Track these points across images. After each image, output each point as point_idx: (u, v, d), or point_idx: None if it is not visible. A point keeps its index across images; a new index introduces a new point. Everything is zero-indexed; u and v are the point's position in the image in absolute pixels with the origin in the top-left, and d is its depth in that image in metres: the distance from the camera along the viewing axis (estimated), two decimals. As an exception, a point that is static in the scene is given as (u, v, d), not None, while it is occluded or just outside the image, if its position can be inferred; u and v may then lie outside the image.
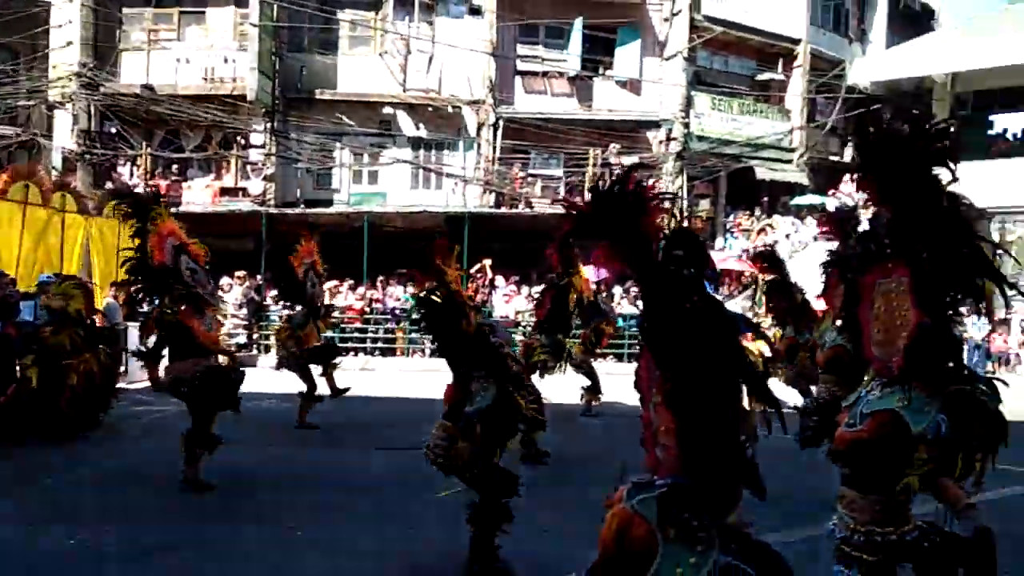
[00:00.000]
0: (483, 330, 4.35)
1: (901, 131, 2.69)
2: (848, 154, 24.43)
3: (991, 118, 23.46)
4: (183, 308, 6.04)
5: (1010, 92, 22.81)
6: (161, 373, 6.19)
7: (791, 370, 8.25)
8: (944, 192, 2.66)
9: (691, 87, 20.95)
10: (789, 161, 22.26)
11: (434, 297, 4.30)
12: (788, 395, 7.35)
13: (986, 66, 21.08)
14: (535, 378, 7.75)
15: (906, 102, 24.69)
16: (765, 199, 21.97)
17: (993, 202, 22.84)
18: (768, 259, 8.97)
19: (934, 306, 2.64)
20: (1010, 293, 2.71)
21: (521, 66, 20.41)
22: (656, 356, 2.04)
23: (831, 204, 21.56)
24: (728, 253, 19.54)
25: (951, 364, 2.70)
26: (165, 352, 6.17)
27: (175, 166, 19.18)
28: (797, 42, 22.35)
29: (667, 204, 2.14)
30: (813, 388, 6.73)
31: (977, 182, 23.30)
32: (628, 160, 20.20)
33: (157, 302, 6.19)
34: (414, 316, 15.99)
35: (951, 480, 2.67)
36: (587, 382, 9.96)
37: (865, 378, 3.13)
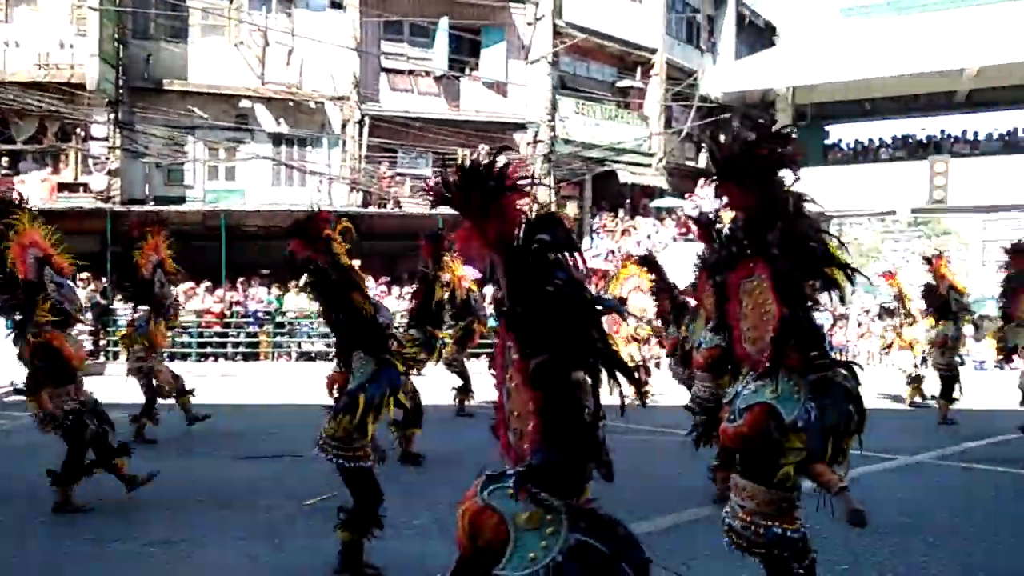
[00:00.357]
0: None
1: (748, 138, 2.84)
2: (703, 160, 25.78)
3: (827, 128, 25.52)
4: (51, 328, 5.46)
5: (844, 105, 24.90)
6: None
7: (678, 366, 8.64)
8: (791, 192, 2.86)
9: (556, 91, 21.37)
10: (649, 165, 23.18)
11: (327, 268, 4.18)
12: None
13: (821, 81, 22.86)
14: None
15: (753, 112, 26.40)
16: (628, 201, 22.75)
17: (830, 206, 24.83)
18: (647, 263, 9.39)
19: (793, 298, 2.79)
20: (855, 284, 2.90)
21: (386, 63, 20.06)
22: (518, 337, 2.05)
23: (688, 207, 22.67)
24: (594, 253, 20.05)
25: (814, 352, 2.83)
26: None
27: (5, 159, 17.42)
28: (654, 52, 23.32)
29: (531, 188, 2.16)
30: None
31: (815, 187, 25.33)
32: (496, 162, 20.32)
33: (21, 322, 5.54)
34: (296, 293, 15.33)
35: (824, 465, 2.78)
36: (459, 382, 9.92)
37: (741, 374, 3.25)
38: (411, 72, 20.23)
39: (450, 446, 7.59)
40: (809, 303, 2.86)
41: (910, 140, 23.83)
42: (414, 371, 8.00)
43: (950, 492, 6.78)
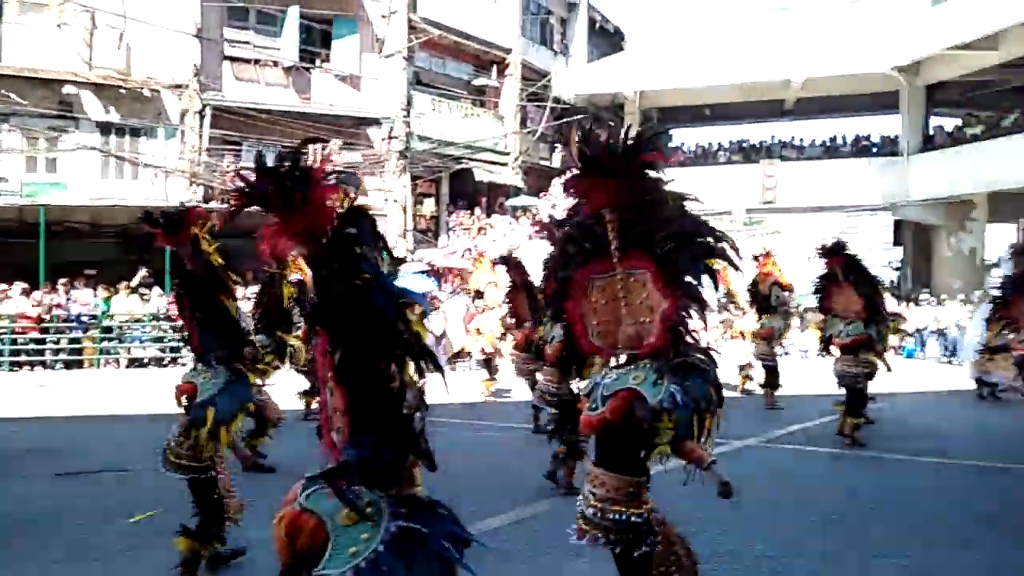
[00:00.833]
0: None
1: (621, 134, 2.95)
2: (557, 159, 26.31)
3: (672, 132, 26.79)
4: None
5: (686, 110, 26.23)
6: None
7: (526, 363, 8.79)
8: (669, 190, 2.98)
9: (411, 87, 21.08)
10: (505, 164, 23.36)
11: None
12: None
13: (665, 87, 23.95)
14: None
15: (603, 115, 27.24)
16: (484, 200, 22.82)
17: (675, 205, 26.09)
18: (506, 262, 9.44)
19: (677, 290, 2.90)
20: (738, 268, 3.04)
21: (230, 51, 18.99)
22: (328, 333, 2.06)
23: (544, 206, 23.04)
24: (450, 251, 19.95)
25: (689, 339, 2.95)
26: None
27: None
28: (509, 51, 23.54)
29: (343, 183, 2.22)
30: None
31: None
32: (350, 157, 19.78)
33: None
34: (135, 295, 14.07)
35: (693, 442, 2.86)
36: (307, 385, 9.52)
37: (595, 366, 3.32)
38: (257, 61, 19.27)
39: (296, 454, 7.20)
40: (693, 294, 2.94)
41: (744, 145, 25.44)
42: (263, 381, 7.65)
43: (777, 472, 7.20)
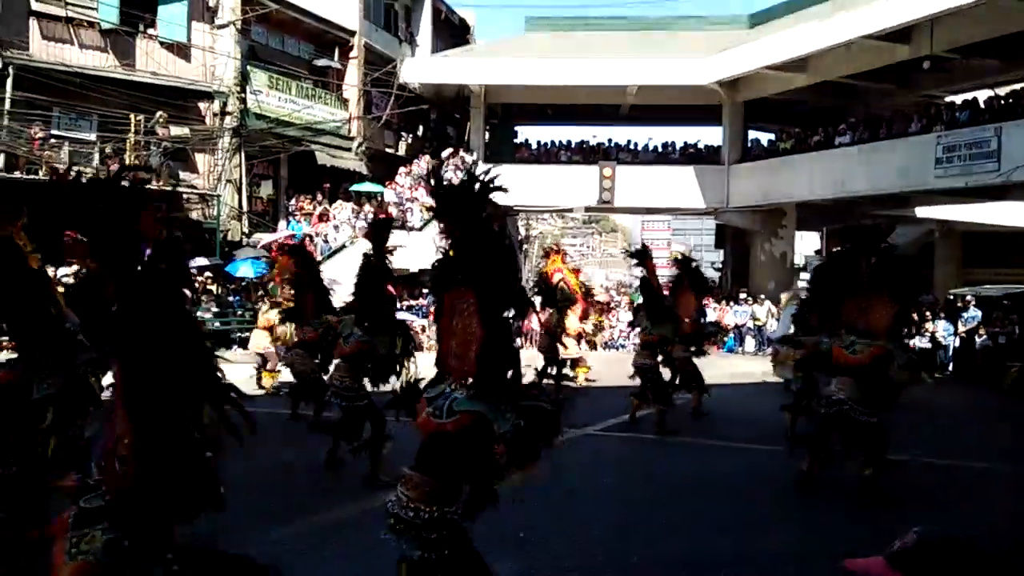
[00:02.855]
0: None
1: (460, 181, 3.22)
2: (403, 147, 25.89)
3: (516, 128, 27.17)
4: None
5: (530, 108, 26.69)
6: None
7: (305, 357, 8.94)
8: (498, 230, 3.29)
9: (247, 62, 19.87)
10: (348, 149, 22.63)
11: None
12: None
13: (510, 83, 24.22)
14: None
15: (449, 107, 27.16)
16: (327, 185, 21.99)
17: (520, 202, 26.50)
18: (295, 252, 9.14)
19: (494, 322, 3.13)
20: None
21: (37, 6, 16.94)
22: (121, 359, 2.02)
23: (389, 194, 22.60)
24: (284, 236, 19.02)
25: (512, 372, 3.16)
26: None
27: None
28: (352, 34, 22.82)
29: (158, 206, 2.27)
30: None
31: (508, 183, 26.68)
32: (177, 130, 18.33)
33: None
34: None
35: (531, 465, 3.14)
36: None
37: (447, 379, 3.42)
38: (70, 20, 17.34)
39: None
40: (505, 327, 3.17)
41: (584, 146, 26.31)
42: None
43: (608, 459, 7.66)
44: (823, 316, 7.05)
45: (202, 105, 19.22)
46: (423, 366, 4.18)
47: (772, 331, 18.95)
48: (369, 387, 6.48)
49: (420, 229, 20.55)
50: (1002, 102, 17.75)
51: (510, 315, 3.20)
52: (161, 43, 18.54)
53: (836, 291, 6.43)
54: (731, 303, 21.95)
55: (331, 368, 7.18)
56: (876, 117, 21.65)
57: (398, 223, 20.69)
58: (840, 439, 6.12)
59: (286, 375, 10.38)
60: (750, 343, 21.17)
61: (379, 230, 6.70)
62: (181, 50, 18.87)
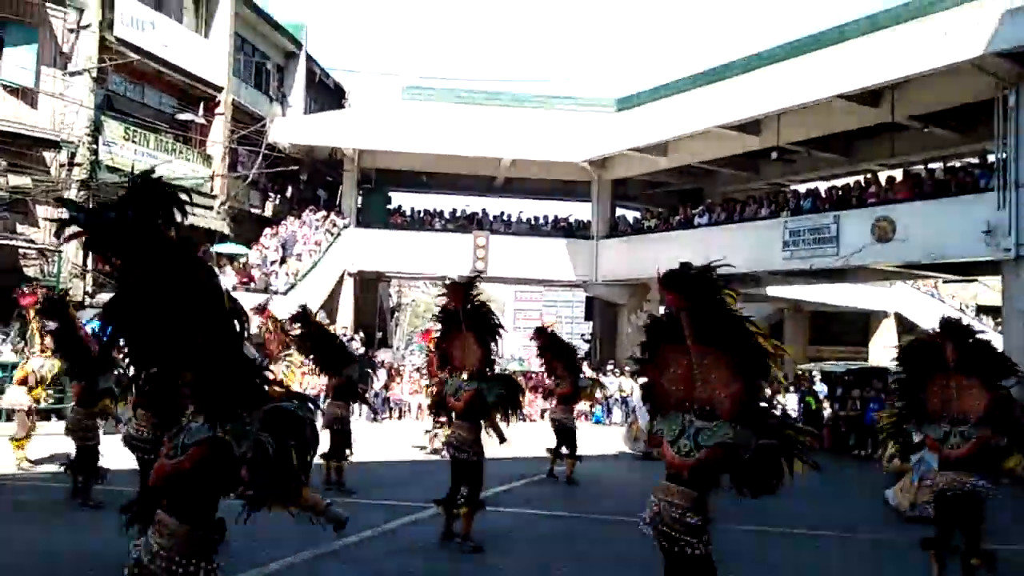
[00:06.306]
0: None
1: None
2: (269, 208, 25.06)
3: (390, 194, 26.93)
4: None
5: (405, 174, 26.60)
6: None
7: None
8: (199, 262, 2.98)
9: (101, 111, 18.69)
10: (211, 208, 21.56)
11: None
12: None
13: (384, 148, 24.12)
14: None
15: (322, 168, 26.66)
16: (182, 244, 20.73)
17: (392, 268, 26.11)
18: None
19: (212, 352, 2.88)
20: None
21: None
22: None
23: (254, 255, 21.64)
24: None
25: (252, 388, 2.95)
26: None
27: None
28: (220, 90, 22.07)
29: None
30: None
31: (380, 249, 26.02)
32: (16, 180, 16.84)
33: None
34: None
35: (306, 489, 2.96)
36: None
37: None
38: None
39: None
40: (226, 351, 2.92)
41: (459, 214, 26.40)
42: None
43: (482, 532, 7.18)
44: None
45: (48, 155, 17.82)
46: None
47: (637, 402, 19.29)
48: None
49: (285, 293, 19.70)
50: (839, 192, 19.33)
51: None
52: (4, 87, 17.15)
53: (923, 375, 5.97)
54: (600, 374, 22.26)
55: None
56: (731, 200, 23.04)
57: (260, 287, 19.79)
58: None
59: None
60: (617, 414, 21.44)
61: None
62: (27, 95, 17.52)
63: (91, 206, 2.82)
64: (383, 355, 23.31)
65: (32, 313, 9.84)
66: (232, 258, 21.10)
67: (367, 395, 10.89)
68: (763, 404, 3.80)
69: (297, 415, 2.91)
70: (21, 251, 16.91)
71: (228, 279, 19.31)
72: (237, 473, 2.78)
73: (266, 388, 2.97)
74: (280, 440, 2.80)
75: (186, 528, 2.86)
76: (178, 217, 2.85)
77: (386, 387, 20.60)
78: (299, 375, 12.99)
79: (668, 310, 4.01)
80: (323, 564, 6.26)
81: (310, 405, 3.04)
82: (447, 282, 7.27)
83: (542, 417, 11.43)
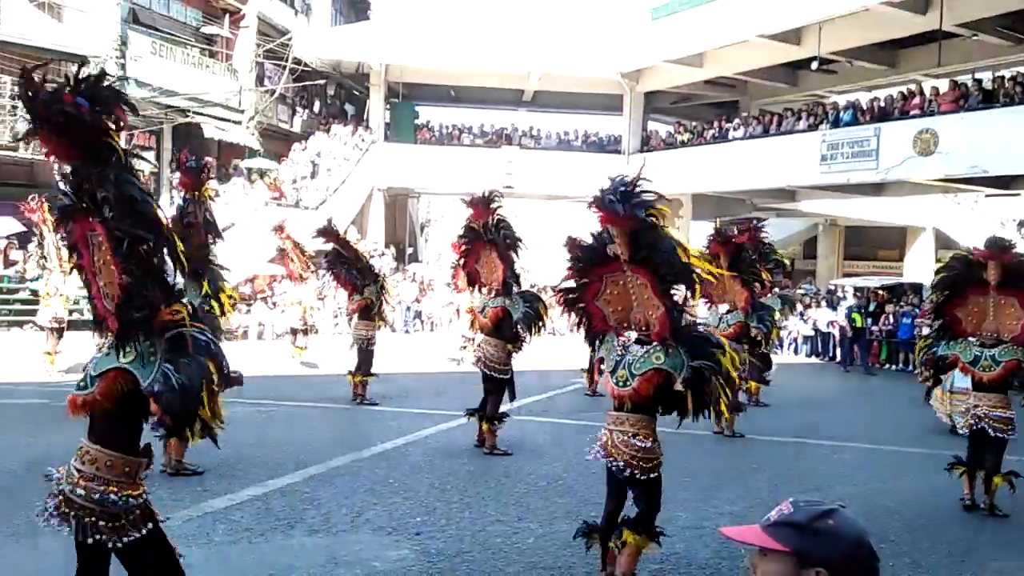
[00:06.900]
0: None
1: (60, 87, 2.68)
2: (297, 123, 24.91)
3: (418, 108, 26.56)
4: None
5: (433, 88, 26.15)
6: None
7: None
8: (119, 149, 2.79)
9: (127, 25, 18.50)
10: (239, 123, 21.51)
11: None
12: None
13: (411, 63, 23.64)
14: None
15: (347, 83, 26.26)
16: (214, 159, 20.83)
17: (421, 184, 26.03)
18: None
19: (131, 259, 2.67)
20: None
21: None
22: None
23: (284, 170, 21.66)
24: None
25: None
26: None
27: None
28: (244, 1, 21.65)
29: None
30: None
31: (408, 165, 25.79)
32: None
33: None
34: None
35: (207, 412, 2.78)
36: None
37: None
38: (-80, -33, 15.65)
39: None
40: (146, 264, 2.72)
41: (487, 130, 26.01)
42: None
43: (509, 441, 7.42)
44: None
45: (74, 70, 17.73)
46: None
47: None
48: None
49: (316, 208, 19.80)
50: (881, 104, 18.67)
51: None
52: (30, 2, 17.00)
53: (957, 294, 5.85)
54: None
55: None
56: (767, 113, 22.38)
57: (291, 203, 19.90)
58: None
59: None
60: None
61: None
62: (53, 10, 17.36)
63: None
64: (414, 269, 23.49)
65: (48, 227, 9.63)
66: (262, 173, 21.15)
67: (384, 313, 10.28)
68: (686, 323, 3.87)
69: (199, 339, 2.78)
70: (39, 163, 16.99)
71: (260, 194, 19.44)
72: (147, 403, 2.69)
73: (176, 314, 2.78)
74: (186, 368, 2.69)
75: (111, 454, 2.76)
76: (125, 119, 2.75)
77: (417, 300, 20.84)
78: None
79: (599, 231, 3.98)
80: (361, 465, 6.53)
81: (208, 332, 2.88)
82: (469, 198, 7.14)
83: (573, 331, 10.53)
